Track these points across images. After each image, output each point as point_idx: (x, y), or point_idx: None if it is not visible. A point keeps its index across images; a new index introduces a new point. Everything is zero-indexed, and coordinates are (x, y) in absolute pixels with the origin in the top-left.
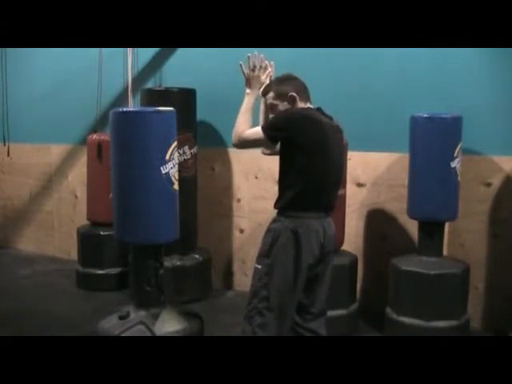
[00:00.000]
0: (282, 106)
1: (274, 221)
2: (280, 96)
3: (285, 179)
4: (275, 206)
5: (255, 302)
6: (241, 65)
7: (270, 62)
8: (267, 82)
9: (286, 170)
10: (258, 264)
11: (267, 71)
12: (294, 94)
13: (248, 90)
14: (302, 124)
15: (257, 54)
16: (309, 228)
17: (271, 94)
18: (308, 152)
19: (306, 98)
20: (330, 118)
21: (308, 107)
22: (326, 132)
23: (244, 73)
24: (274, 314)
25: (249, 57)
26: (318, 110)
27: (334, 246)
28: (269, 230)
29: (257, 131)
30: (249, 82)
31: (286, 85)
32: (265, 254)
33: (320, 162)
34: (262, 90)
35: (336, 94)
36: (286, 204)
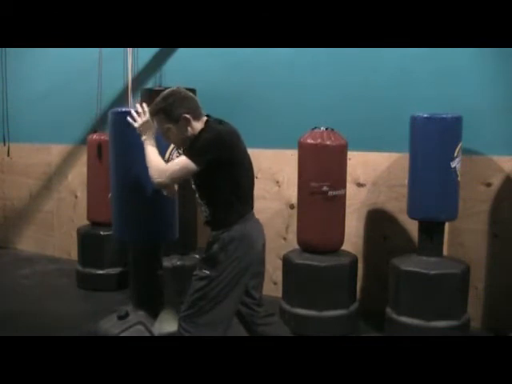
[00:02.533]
0: (177, 128)
1: (223, 231)
2: (173, 119)
3: (219, 195)
4: (217, 223)
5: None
6: (128, 119)
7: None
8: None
9: (218, 186)
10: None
11: (147, 114)
12: (188, 116)
13: (144, 137)
14: (228, 140)
15: (137, 105)
16: (258, 228)
17: (162, 119)
18: (238, 164)
19: (200, 113)
20: (226, 123)
21: (209, 123)
22: (240, 139)
23: (134, 126)
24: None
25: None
26: (209, 117)
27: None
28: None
29: (182, 163)
30: (140, 131)
31: (176, 107)
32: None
33: (247, 168)
34: (149, 110)
35: (336, 94)
36: (229, 215)
